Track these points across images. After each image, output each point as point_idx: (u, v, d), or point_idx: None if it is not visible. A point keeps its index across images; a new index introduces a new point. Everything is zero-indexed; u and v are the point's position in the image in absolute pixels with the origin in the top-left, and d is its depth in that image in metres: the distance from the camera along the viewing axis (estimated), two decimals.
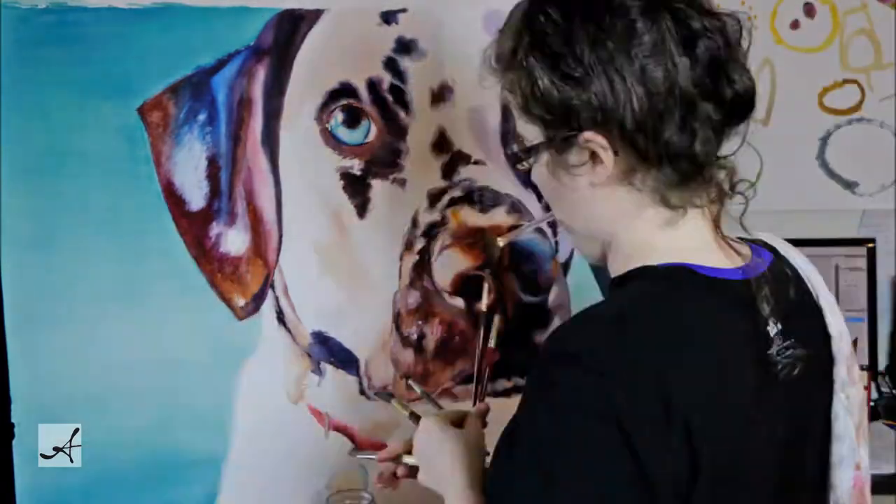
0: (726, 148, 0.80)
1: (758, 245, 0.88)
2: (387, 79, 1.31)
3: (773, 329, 0.79)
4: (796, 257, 0.89)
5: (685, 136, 0.75)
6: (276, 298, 1.29)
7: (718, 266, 0.80)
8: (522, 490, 0.73)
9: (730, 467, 0.74)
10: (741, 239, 0.87)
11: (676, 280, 0.78)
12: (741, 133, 0.80)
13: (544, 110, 0.78)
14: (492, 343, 1.23)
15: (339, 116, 1.30)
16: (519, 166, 0.85)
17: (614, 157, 0.77)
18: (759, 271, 0.81)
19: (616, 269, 0.84)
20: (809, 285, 0.88)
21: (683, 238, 0.80)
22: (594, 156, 0.78)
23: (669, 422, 0.71)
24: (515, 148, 0.84)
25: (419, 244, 1.32)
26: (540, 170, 0.83)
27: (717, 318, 0.77)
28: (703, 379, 0.74)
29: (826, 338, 0.86)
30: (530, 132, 0.81)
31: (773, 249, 0.89)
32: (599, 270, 1.46)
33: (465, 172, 1.35)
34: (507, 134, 1.39)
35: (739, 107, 0.78)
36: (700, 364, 0.74)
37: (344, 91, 1.30)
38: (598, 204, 0.81)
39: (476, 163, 1.35)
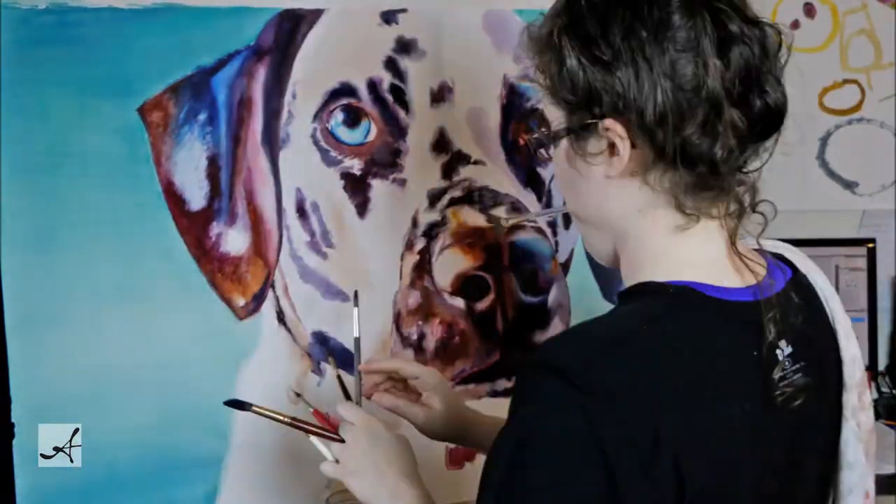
0: (752, 164, 0.79)
1: (776, 260, 0.86)
2: (387, 79, 1.32)
3: (781, 352, 0.77)
4: (816, 277, 0.86)
5: (706, 138, 0.73)
6: (277, 298, 1.29)
7: (728, 286, 0.77)
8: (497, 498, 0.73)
9: (718, 498, 0.73)
10: (760, 250, 0.85)
11: (681, 302, 0.75)
12: (769, 150, 0.79)
13: (569, 91, 0.76)
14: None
15: (339, 116, 1.30)
16: (538, 152, 0.83)
17: (631, 150, 0.75)
18: (772, 291, 0.79)
19: (626, 274, 0.81)
20: (826, 307, 0.85)
21: (693, 249, 0.78)
22: (612, 146, 0.76)
23: (657, 451, 0.69)
24: (536, 133, 0.82)
25: (419, 244, 1.32)
26: (558, 156, 0.81)
27: (716, 341, 0.75)
28: (697, 410, 0.71)
29: (838, 362, 0.84)
30: (554, 118, 0.80)
31: (792, 266, 0.86)
32: (599, 270, 1.46)
33: (465, 172, 1.35)
34: (507, 133, 1.39)
35: (768, 119, 0.76)
36: (695, 395, 0.72)
37: (344, 91, 1.30)
38: (611, 197, 0.79)
39: (476, 163, 1.36)
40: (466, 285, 1.33)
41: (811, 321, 0.81)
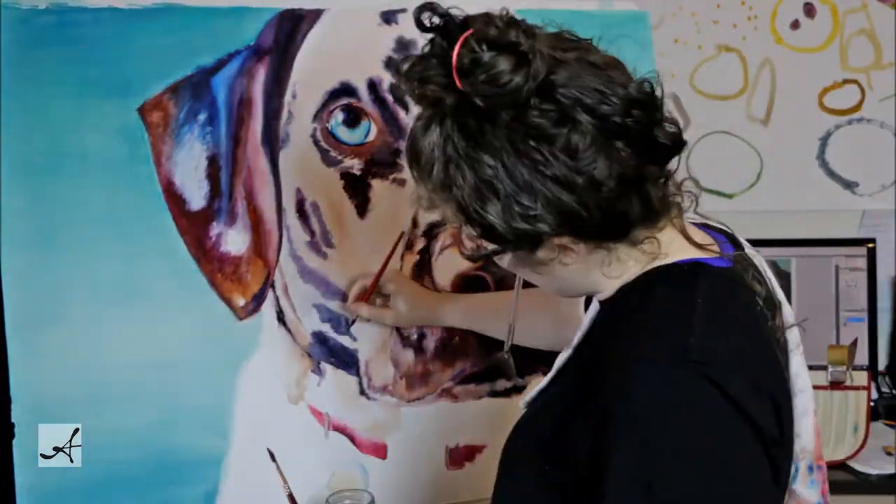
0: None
1: (718, 233, 0.92)
2: (387, 79, 1.31)
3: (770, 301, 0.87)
4: (750, 250, 0.93)
5: (644, 204, 0.79)
6: (277, 298, 1.29)
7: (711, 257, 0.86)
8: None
9: (790, 430, 0.84)
10: (703, 227, 0.92)
11: (704, 274, 0.83)
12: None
13: (499, 239, 0.80)
14: None
15: (339, 116, 1.30)
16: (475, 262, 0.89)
17: (584, 244, 0.81)
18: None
19: (604, 288, 0.87)
20: (765, 275, 0.92)
21: (665, 245, 0.84)
22: (563, 247, 0.81)
23: (761, 394, 0.77)
24: (476, 253, 0.85)
25: (419, 244, 1.32)
26: (503, 261, 0.86)
27: (748, 304, 0.84)
28: (762, 356, 0.81)
29: (779, 306, 0.91)
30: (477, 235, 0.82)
31: (731, 237, 0.93)
32: None
33: None
34: None
35: (673, 152, 0.82)
36: (755, 344, 0.81)
37: (344, 91, 1.30)
38: (571, 273, 0.85)
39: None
40: (466, 285, 1.33)
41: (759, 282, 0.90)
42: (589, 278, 0.86)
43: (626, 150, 0.77)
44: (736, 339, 0.79)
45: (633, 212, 0.79)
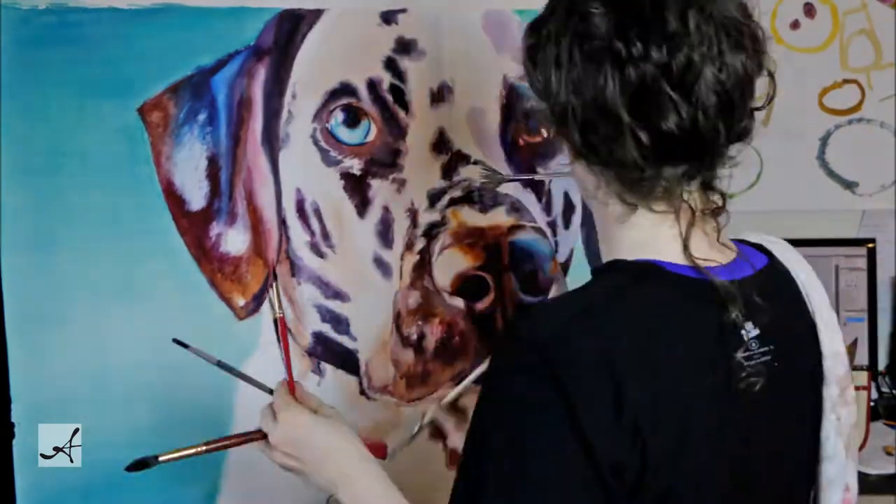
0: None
1: (752, 249, 0.88)
2: (387, 79, 1.32)
3: (747, 333, 0.79)
4: (799, 271, 0.88)
5: (609, 145, 0.77)
6: None
7: (688, 265, 0.80)
8: (474, 470, 0.76)
9: (675, 469, 0.75)
10: (739, 241, 0.87)
11: (643, 275, 0.79)
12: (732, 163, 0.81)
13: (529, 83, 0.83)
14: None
15: (339, 116, 1.30)
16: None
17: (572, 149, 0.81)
18: (738, 276, 0.80)
19: (601, 254, 0.86)
20: (807, 300, 0.87)
21: (649, 235, 0.81)
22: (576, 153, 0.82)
23: (619, 411, 0.72)
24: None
25: (419, 244, 1.32)
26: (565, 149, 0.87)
27: (680, 316, 0.78)
28: (656, 374, 0.75)
29: (818, 355, 0.86)
30: None
31: (771, 257, 0.88)
32: None
33: (464, 172, 1.35)
34: (506, 134, 1.39)
35: (675, 142, 0.76)
36: (655, 359, 0.75)
37: (344, 91, 1.30)
38: (577, 174, 0.84)
39: (476, 163, 1.36)
40: (466, 285, 1.33)
41: (784, 310, 0.83)
42: (587, 199, 0.85)
43: (621, 89, 0.75)
44: (614, 350, 0.73)
45: (595, 142, 0.78)
